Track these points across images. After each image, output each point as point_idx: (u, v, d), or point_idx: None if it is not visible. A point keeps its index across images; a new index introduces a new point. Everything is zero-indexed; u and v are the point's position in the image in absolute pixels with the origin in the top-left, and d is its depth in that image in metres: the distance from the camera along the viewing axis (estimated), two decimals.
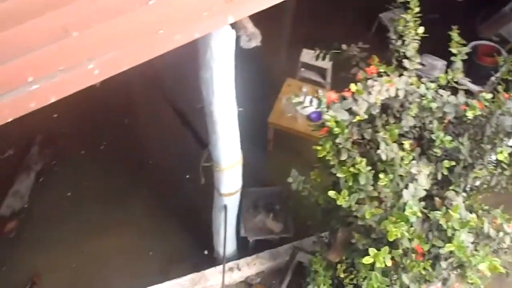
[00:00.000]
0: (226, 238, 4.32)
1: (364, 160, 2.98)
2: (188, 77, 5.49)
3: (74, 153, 5.86)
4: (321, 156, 3.14)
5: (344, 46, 3.51)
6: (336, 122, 2.69)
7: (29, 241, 5.26)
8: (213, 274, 4.78)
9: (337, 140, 3.00)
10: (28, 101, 1.88)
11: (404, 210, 2.66)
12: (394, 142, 3.06)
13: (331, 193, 2.90)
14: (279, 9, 2.27)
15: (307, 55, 6.04)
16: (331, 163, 3.10)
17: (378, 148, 3.07)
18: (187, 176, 5.66)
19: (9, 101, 1.91)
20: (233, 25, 2.22)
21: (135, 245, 5.25)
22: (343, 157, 3.02)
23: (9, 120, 1.87)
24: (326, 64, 5.87)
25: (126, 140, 5.98)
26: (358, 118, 2.76)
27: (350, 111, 2.73)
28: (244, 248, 5.01)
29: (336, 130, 2.69)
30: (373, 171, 3.01)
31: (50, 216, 5.40)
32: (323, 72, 6.12)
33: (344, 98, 2.73)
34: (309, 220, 4.20)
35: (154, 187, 5.64)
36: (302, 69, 6.21)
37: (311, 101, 5.45)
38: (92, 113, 5.93)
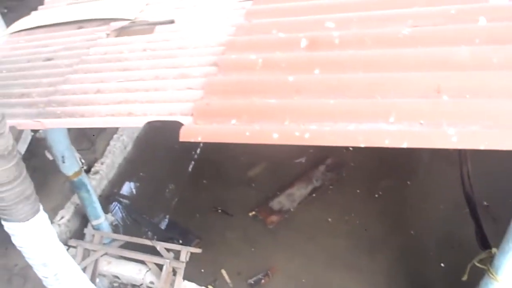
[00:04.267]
0: None
1: None
2: (492, 173, 5.30)
3: (350, 187, 6.23)
4: None
5: None
6: None
7: (280, 239, 5.84)
8: None
9: None
10: (383, 136, 2.12)
11: None
12: None
13: None
14: None
15: None
16: None
17: None
18: (442, 264, 5.37)
19: (366, 130, 2.20)
20: None
21: None
22: None
23: (360, 145, 2.14)
24: None
25: (400, 199, 6.04)
26: None
27: None
28: None
29: None
30: None
31: (305, 230, 5.88)
32: None
33: None
34: None
35: (404, 256, 5.54)
36: None
37: None
38: (381, 161, 6.19)
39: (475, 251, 3.73)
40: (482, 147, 1.95)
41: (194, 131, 2.54)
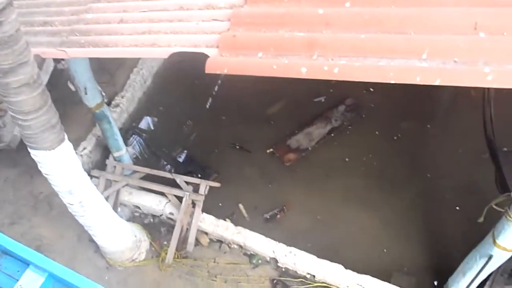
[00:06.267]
0: (472, 285, 4.05)
1: None
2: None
3: (369, 128, 6.20)
4: None
5: None
6: None
7: (297, 176, 5.92)
8: None
9: None
10: (414, 73, 2.07)
11: None
12: None
13: None
14: None
15: None
16: None
17: None
18: (457, 208, 5.43)
19: (397, 66, 2.14)
20: None
21: (374, 233, 5.37)
22: None
23: (391, 81, 2.10)
24: None
25: (419, 142, 6.01)
26: None
27: None
28: None
29: None
30: None
31: (322, 168, 5.93)
32: None
33: None
34: None
35: (419, 197, 5.59)
36: None
37: None
38: (401, 103, 6.13)
39: (492, 196, 3.74)
40: None
41: (220, 63, 2.51)
